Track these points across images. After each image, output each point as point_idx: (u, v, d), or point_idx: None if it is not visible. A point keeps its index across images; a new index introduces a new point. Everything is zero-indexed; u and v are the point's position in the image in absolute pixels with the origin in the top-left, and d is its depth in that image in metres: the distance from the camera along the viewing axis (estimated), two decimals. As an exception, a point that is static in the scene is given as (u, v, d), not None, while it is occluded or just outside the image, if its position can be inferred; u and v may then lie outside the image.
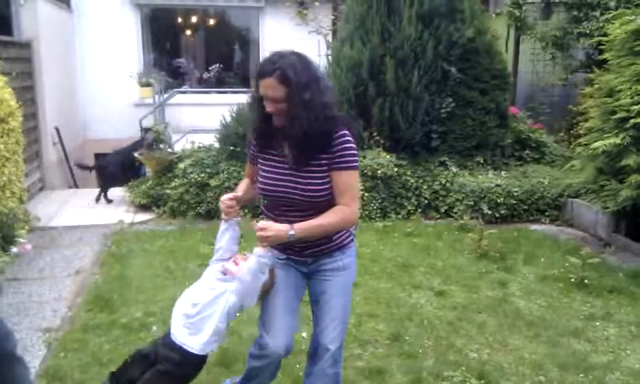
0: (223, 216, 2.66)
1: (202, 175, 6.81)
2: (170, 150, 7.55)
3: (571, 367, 3.57)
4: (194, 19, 12.49)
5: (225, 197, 2.63)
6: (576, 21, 9.18)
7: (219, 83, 12.14)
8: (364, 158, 7.03)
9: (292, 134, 2.44)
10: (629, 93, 5.43)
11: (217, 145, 7.25)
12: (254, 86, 2.55)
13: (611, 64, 6.01)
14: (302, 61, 2.51)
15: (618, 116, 5.53)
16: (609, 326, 4.18)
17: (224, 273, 2.64)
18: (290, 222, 2.46)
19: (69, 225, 6.56)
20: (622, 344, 3.92)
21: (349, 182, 2.47)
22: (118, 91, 10.44)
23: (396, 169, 6.88)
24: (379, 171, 6.79)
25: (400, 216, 6.85)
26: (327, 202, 2.50)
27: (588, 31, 8.71)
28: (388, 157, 7.02)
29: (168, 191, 6.89)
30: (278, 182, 2.55)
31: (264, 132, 2.59)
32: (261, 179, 2.62)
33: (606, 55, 6.17)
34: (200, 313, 2.53)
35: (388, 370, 3.53)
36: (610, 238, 6.14)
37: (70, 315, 4.29)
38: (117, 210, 7.21)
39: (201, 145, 7.50)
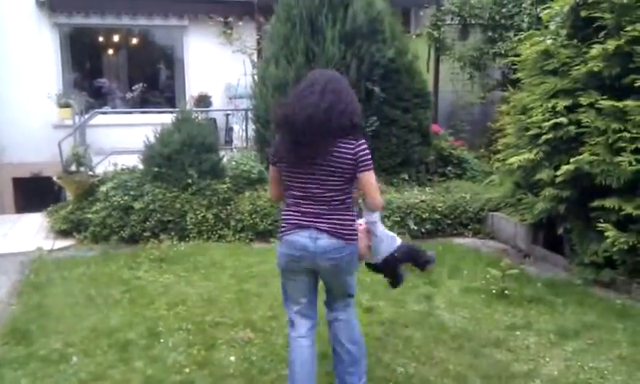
0: None
1: (126, 198, 6.63)
2: (90, 172, 7.31)
3: (493, 377, 3.67)
4: (116, 38, 12.21)
5: None
6: (491, 41, 9.64)
7: (143, 103, 11.87)
8: (291, 177, 7.05)
9: None
10: (540, 110, 5.71)
11: (141, 166, 7.08)
12: None
13: (524, 83, 6.32)
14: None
15: (531, 132, 5.81)
16: (529, 335, 4.33)
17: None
18: None
19: (-18, 254, 6.23)
20: (542, 352, 4.06)
21: None
22: (36, 113, 10.01)
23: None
24: (307, 190, 6.81)
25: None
26: None
27: (503, 51, 9.16)
28: (316, 175, 7.06)
29: (89, 215, 6.66)
30: None
31: None
32: None
33: (519, 74, 6.48)
34: None
35: (317, 390, 3.52)
36: (529, 249, 6.41)
37: (-18, 350, 4.06)
38: (35, 236, 6.89)
39: (124, 166, 7.31)
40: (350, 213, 3.06)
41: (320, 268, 3.07)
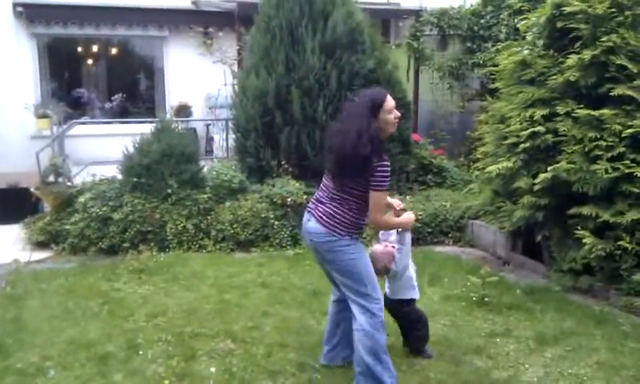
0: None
1: (104, 209, 6.57)
2: (69, 183, 7.23)
3: (474, 384, 3.70)
4: (95, 48, 12.13)
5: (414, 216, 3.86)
6: (470, 52, 9.73)
7: (123, 113, 11.80)
8: (273, 186, 7.05)
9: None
10: (518, 119, 5.77)
11: (120, 177, 7.02)
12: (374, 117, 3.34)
13: (502, 92, 6.39)
14: None
15: (509, 141, 5.86)
16: (508, 341, 4.36)
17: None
18: None
19: (-43, 266, 6.11)
20: (521, 358, 4.09)
21: None
22: (13, 123, 9.91)
23: (305, 196, 6.91)
24: (289, 199, 6.82)
25: (310, 243, 6.87)
26: None
27: (481, 61, 9.25)
28: (297, 184, 7.07)
29: (67, 227, 6.59)
30: None
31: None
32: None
33: (497, 84, 6.55)
34: None
35: (298, 400, 3.52)
36: (509, 257, 6.46)
37: (-43, 365, 3.98)
38: (12, 248, 6.79)
39: (102, 177, 7.24)
40: (345, 211, 3.36)
41: (309, 247, 3.60)
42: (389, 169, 3.32)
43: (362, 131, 3.22)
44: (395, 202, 3.90)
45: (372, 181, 3.27)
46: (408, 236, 3.83)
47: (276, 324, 4.60)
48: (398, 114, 3.45)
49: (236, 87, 8.24)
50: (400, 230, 3.80)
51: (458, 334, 4.44)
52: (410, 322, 4.03)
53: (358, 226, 3.44)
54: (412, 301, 4.00)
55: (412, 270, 3.99)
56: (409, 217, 3.76)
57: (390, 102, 3.37)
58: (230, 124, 8.50)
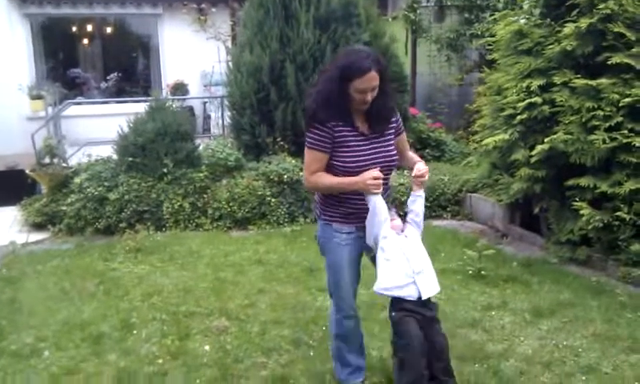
0: (375, 191, 2.93)
1: (100, 189, 6.55)
2: (64, 164, 7.20)
3: (468, 357, 3.66)
4: (89, 28, 12.04)
5: (370, 174, 2.89)
6: (468, 23, 9.59)
7: (119, 92, 11.75)
8: (269, 163, 7.01)
9: (385, 109, 3.02)
10: (515, 90, 5.69)
11: (115, 156, 6.98)
12: (339, 84, 2.88)
13: (499, 63, 6.29)
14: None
15: (506, 113, 5.79)
16: (504, 314, 4.34)
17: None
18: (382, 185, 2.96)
19: (-46, 249, 6.11)
20: (517, 331, 4.07)
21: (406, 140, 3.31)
22: (9, 105, 9.85)
23: (301, 173, 6.87)
24: (285, 176, 6.78)
25: (309, 220, 6.82)
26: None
27: (479, 32, 9.11)
28: (293, 161, 7.02)
29: (64, 208, 6.58)
30: (367, 154, 2.98)
31: (344, 117, 2.96)
32: (349, 157, 2.96)
33: (494, 55, 6.45)
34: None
35: (292, 376, 3.50)
36: (507, 229, 6.43)
37: (-48, 347, 3.98)
38: (9, 230, 6.79)
39: (98, 157, 7.21)
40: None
41: None
42: (323, 134, 2.92)
43: (316, 87, 3.02)
44: (417, 161, 3.21)
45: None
46: (372, 202, 2.96)
47: (271, 301, 4.60)
48: (368, 100, 2.89)
49: (230, 64, 8.15)
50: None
51: (454, 308, 4.42)
52: (394, 335, 3.14)
53: (333, 206, 3.08)
54: (398, 304, 3.09)
55: (397, 260, 3.17)
56: (362, 176, 2.91)
57: (360, 84, 2.84)
58: (226, 101, 8.43)
